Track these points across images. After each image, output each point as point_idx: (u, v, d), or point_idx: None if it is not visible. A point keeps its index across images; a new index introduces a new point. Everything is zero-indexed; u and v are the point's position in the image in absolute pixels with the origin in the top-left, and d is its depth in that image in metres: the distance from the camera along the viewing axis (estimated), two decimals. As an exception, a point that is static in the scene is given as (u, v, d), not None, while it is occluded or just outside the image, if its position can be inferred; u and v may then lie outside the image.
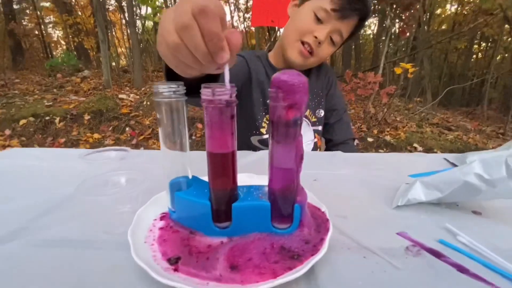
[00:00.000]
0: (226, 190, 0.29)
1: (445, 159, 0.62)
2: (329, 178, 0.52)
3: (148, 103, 3.66)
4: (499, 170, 0.32)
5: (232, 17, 7.75)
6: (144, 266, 0.24)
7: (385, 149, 3.06)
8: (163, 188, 0.38)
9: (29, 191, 0.44)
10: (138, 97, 3.90)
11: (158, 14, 4.13)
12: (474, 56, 10.23)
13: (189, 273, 0.24)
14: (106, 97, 3.65)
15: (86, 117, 3.25)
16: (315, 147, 0.82)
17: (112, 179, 0.42)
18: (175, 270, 0.25)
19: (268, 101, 0.26)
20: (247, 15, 8.17)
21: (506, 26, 5.45)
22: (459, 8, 8.37)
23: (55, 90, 3.91)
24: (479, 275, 0.26)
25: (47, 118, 3.06)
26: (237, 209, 0.28)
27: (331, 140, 0.84)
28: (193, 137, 3.26)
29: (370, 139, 3.19)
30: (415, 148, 3.10)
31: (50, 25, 8.98)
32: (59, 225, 0.35)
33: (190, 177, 0.33)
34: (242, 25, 8.39)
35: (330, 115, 0.83)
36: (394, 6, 3.54)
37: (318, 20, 0.65)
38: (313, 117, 0.80)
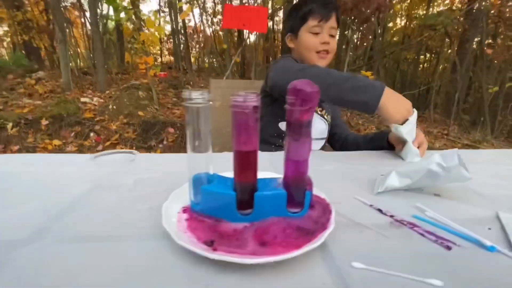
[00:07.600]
0: (249, 182, 0.34)
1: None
2: (316, 174, 0.59)
3: (115, 107, 3.49)
4: (453, 159, 0.42)
5: (201, 21, 7.70)
6: (189, 247, 0.28)
7: (350, 150, 3.29)
8: (177, 186, 0.41)
9: (38, 195, 0.44)
10: (102, 100, 3.69)
11: (123, 14, 3.95)
12: (421, 65, 11.46)
13: (226, 251, 0.29)
14: (66, 100, 3.39)
15: (44, 122, 2.99)
16: (324, 145, 0.99)
17: (126, 180, 0.44)
18: (214, 249, 0.29)
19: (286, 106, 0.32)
20: (215, 19, 8.18)
21: (447, 40, 6.24)
22: (407, 23, 9.37)
23: (4, 92, 3.52)
24: (444, 237, 0.34)
25: (-3, 123, 2.76)
26: (259, 198, 0.34)
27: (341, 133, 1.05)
28: (165, 142, 3.19)
29: (336, 141, 3.42)
30: (376, 148, 3.39)
31: (-7, 20, 8.02)
32: (82, 223, 0.36)
33: (212, 173, 0.37)
34: (210, 29, 8.38)
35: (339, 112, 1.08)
36: (353, 18, 3.89)
37: (316, 34, 0.89)
38: (329, 118, 0.99)
